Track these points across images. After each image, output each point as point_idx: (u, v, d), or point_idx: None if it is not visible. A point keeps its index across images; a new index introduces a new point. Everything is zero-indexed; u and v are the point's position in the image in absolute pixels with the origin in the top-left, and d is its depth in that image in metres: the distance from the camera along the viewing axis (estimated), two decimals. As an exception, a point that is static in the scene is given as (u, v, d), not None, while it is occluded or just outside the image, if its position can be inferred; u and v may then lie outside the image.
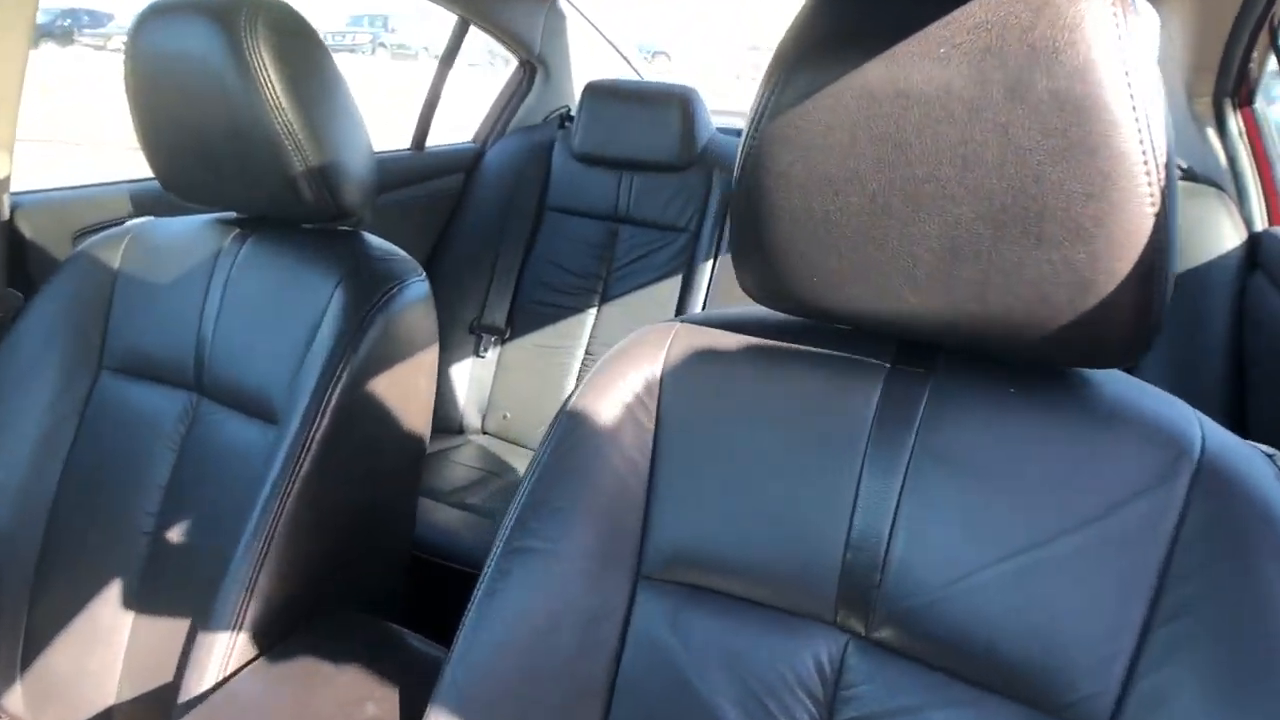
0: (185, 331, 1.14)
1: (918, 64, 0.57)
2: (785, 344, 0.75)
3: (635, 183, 2.08)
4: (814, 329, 0.75)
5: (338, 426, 1.02)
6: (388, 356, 1.08)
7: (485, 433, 2.14)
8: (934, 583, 0.66)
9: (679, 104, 2.01)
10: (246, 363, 1.09)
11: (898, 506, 0.67)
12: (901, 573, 0.67)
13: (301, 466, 1.00)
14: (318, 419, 1.01)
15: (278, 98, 0.99)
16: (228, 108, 1.00)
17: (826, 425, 0.71)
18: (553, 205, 2.17)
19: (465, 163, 2.25)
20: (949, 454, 0.67)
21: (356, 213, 1.12)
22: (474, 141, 2.31)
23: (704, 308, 1.94)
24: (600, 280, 2.09)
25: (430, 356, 1.16)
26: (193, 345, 1.13)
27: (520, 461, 2.00)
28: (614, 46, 2.39)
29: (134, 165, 1.28)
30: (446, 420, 2.09)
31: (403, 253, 1.17)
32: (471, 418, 2.13)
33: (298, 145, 1.01)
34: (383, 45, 14.27)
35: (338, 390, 1.02)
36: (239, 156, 1.03)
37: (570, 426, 0.78)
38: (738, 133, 2.28)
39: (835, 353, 0.73)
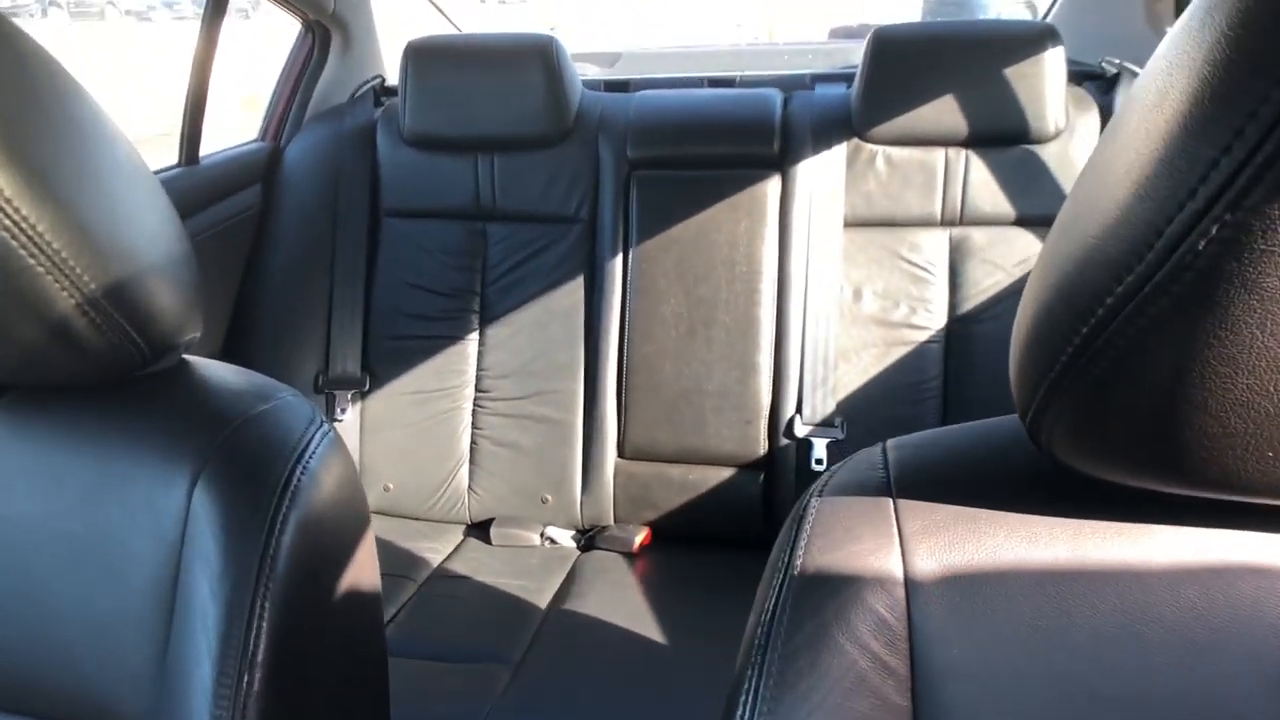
0: None
1: None
2: (1121, 523, 0.46)
3: (498, 166, 1.63)
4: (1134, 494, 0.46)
5: None
6: (322, 580, 0.66)
7: (364, 513, 1.67)
8: None
9: (539, 58, 1.57)
10: (40, 640, 0.63)
11: None
12: None
13: None
14: None
15: None
16: None
17: (1231, 659, 0.44)
18: (390, 209, 1.68)
19: (258, 169, 1.69)
20: None
21: (182, 343, 0.66)
22: (263, 138, 1.74)
23: (623, 313, 1.57)
24: (475, 296, 1.65)
25: (369, 544, 0.74)
26: None
27: (422, 543, 1.57)
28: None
29: None
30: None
31: (273, 381, 0.72)
32: (342, 499, 1.65)
33: (52, 258, 0.53)
34: (55, 4, 11.88)
35: (258, 669, 0.59)
36: None
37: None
38: (601, 85, 1.88)
39: (1221, 531, 0.45)
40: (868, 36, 1.51)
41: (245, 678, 0.57)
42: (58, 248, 0.52)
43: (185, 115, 1.55)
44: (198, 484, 0.61)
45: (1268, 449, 0.37)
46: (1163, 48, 0.36)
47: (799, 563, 0.50)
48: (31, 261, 0.52)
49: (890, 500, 0.49)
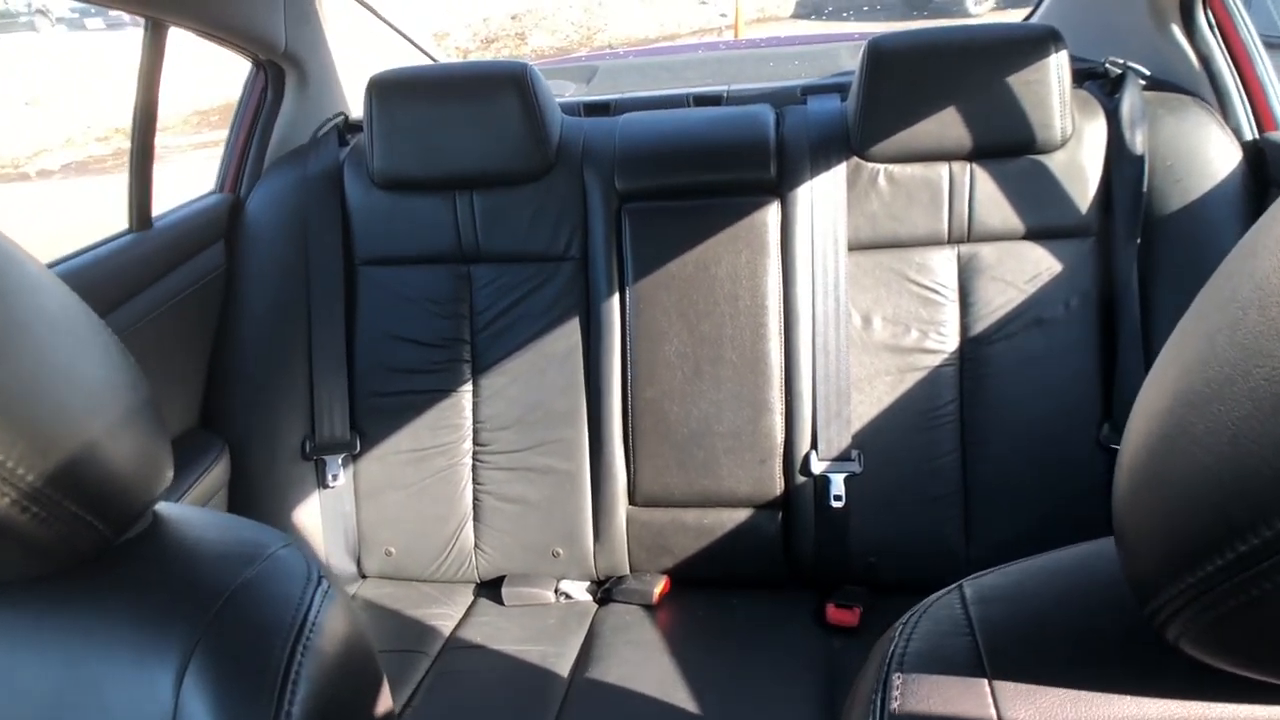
0: None
1: None
2: (1251, 706, 0.41)
3: (478, 205, 1.54)
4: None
5: None
6: None
7: (365, 577, 1.59)
8: None
9: (514, 87, 1.47)
10: None
11: None
12: None
13: None
14: None
15: None
16: None
17: None
18: (365, 257, 1.58)
19: (219, 226, 1.57)
20: None
21: (152, 503, 0.59)
22: (221, 189, 1.63)
23: (624, 355, 1.49)
24: (464, 344, 1.56)
25: (384, 703, 0.67)
26: None
27: (431, 609, 1.51)
28: (388, 24, 1.75)
29: None
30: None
31: (260, 531, 0.64)
32: (343, 565, 1.57)
33: None
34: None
35: None
36: None
37: None
38: (580, 108, 1.78)
39: None
40: (862, 47, 1.42)
41: None
42: None
43: (131, 174, 1.43)
44: (185, 680, 0.53)
45: None
46: None
47: None
48: None
49: (985, 683, 0.44)
